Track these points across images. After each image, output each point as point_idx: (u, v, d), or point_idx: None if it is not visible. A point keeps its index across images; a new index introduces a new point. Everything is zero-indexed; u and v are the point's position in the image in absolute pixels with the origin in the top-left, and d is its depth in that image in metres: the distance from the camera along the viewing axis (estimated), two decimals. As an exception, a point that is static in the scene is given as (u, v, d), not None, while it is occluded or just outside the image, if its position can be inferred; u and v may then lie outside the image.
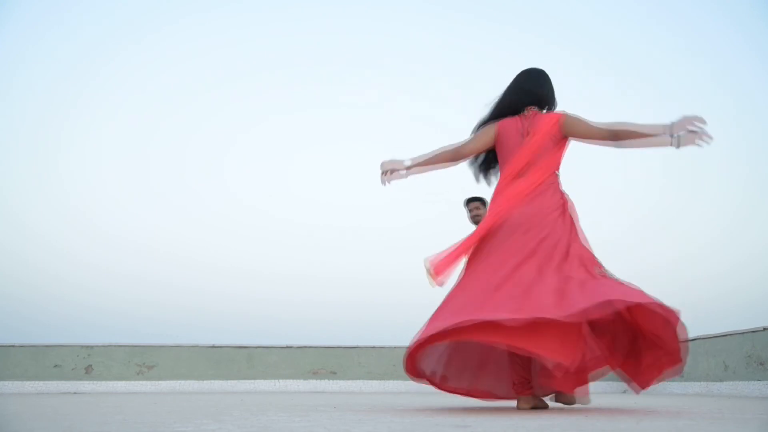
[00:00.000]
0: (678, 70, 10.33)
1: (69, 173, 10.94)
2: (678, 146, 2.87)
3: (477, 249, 3.01)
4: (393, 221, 9.64)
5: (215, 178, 11.41)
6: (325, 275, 9.92)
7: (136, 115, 11.17)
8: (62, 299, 9.78)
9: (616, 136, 3.00)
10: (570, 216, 3.01)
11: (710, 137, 2.84)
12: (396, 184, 3.31)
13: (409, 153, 3.32)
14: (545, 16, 10.71)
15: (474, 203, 5.94)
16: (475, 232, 3.04)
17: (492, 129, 3.16)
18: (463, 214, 5.96)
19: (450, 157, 3.25)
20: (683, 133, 2.84)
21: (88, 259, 10.30)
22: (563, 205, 3.01)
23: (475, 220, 5.92)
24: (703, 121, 2.82)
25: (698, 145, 2.83)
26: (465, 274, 3.01)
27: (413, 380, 3.11)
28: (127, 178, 11.08)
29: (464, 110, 11.03)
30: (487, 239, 2.99)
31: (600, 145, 3.13)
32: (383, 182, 3.28)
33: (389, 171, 3.27)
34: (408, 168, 3.26)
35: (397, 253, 9.45)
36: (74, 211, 10.71)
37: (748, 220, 9.94)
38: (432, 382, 3.15)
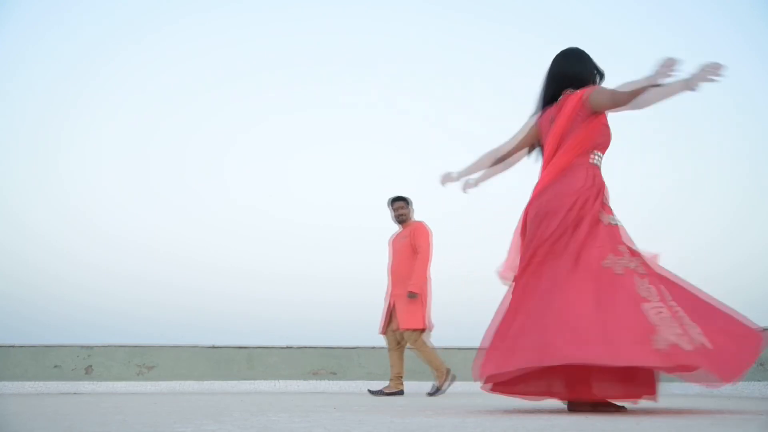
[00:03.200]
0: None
1: (69, 173, 10.93)
2: (693, 88, 2.62)
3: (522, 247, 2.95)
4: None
5: (215, 178, 11.40)
6: (325, 275, 9.91)
7: (136, 115, 11.17)
8: (62, 299, 9.78)
9: (636, 93, 2.73)
10: (600, 201, 2.80)
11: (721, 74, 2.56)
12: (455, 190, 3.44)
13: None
14: (545, 16, 10.72)
15: (398, 203, 5.93)
16: (517, 225, 3.01)
17: (532, 123, 3.09)
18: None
19: (492, 160, 3.23)
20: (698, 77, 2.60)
21: (88, 259, 10.30)
22: (591, 188, 2.79)
23: (399, 219, 5.91)
24: (720, 67, 2.56)
25: (711, 80, 2.57)
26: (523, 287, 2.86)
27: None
28: (127, 178, 11.08)
29: (464, 110, 11.04)
30: (526, 232, 2.94)
31: (624, 110, 2.89)
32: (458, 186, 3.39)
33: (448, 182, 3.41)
34: (457, 178, 3.37)
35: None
36: (74, 211, 10.70)
37: (748, 220, 9.94)
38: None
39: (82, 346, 7.25)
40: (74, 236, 10.50)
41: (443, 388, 5.52)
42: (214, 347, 7.52)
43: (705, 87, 2.64)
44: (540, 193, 2.88)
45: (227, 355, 7.51)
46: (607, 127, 2.92)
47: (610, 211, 2.85)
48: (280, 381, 7.43)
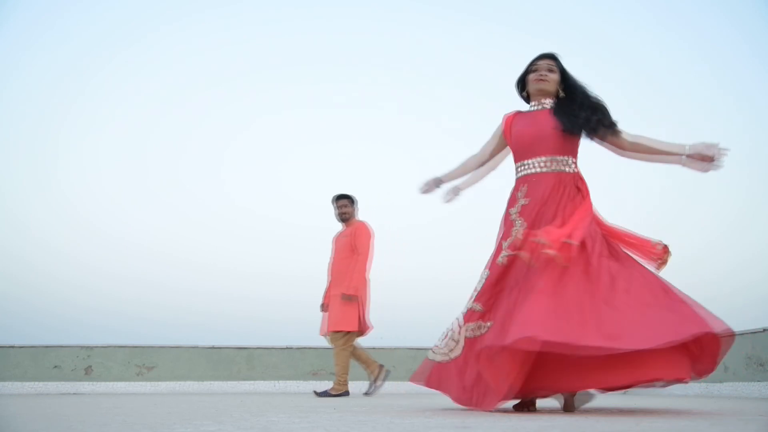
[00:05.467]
0: (678, 70, 10.34)
1: (68, 174, 10.94)
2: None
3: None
4: (391, 223, 9.63)
5: (215, 180, 11.41)
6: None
7: (135, 116, 11.18)
8: (62, 300, 9.78)
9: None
10: None
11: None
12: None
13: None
14: (545, 16, 10.72)
15: (342, 201, 5.93)
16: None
17: None
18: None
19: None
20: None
21: (87, 260, 10.31)
22: None
23: (342, 217, 5.91)
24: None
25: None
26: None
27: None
28: (126, 180, 11.09)
29: (463, 110, 11.03)
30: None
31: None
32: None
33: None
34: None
35: (395, 255, 9.44)
36: (74, 213, 10.71)
37: (749, 222, 9.94)
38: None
39: (81, 347, 7.25)
40: (73, 237, 10.52)
41: (333, 394, 5.55)
42: (213, 348, 7.52)
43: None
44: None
45: (227, 355, 7.51)
46: None
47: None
48: (280, 381, 7.43)
